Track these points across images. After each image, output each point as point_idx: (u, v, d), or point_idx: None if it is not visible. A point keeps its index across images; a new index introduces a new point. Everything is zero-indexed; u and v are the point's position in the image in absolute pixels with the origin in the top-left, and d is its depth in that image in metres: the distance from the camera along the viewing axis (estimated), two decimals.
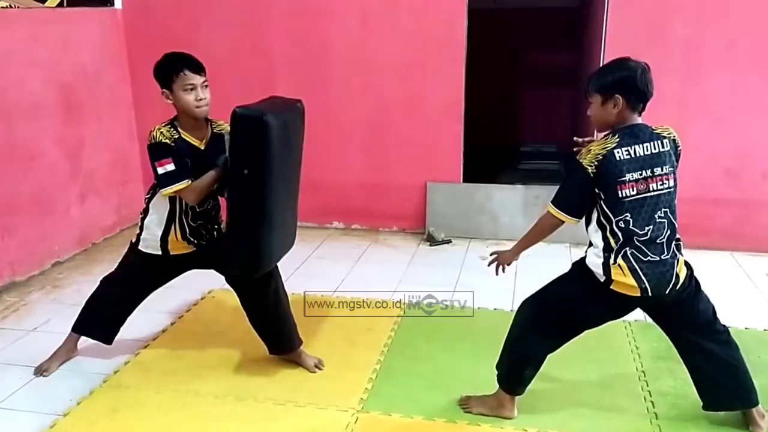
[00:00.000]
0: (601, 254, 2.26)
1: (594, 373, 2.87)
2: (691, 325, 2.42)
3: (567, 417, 2.58)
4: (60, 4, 4.11)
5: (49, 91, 4.07)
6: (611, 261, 2.24)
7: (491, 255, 2.53)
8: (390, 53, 4.44)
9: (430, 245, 4.50)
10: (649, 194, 2.22)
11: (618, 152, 2.19)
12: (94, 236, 4.50)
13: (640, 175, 2.20)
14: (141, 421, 2.56)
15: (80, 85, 4.32)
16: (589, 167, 2.20)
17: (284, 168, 2.55)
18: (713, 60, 4.09)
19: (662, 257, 2.26)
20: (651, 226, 2.23)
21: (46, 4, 4.02)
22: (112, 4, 4.62)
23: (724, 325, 2.47)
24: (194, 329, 3.30)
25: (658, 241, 2.25)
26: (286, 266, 4.00)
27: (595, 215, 2.28)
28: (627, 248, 2.23)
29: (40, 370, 2.90)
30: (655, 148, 2.22)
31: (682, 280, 2.31)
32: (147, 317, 3.20)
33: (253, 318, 2.87)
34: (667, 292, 2.28)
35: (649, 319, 3.34)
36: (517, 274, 3.84)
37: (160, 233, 2.70)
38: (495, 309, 3.43)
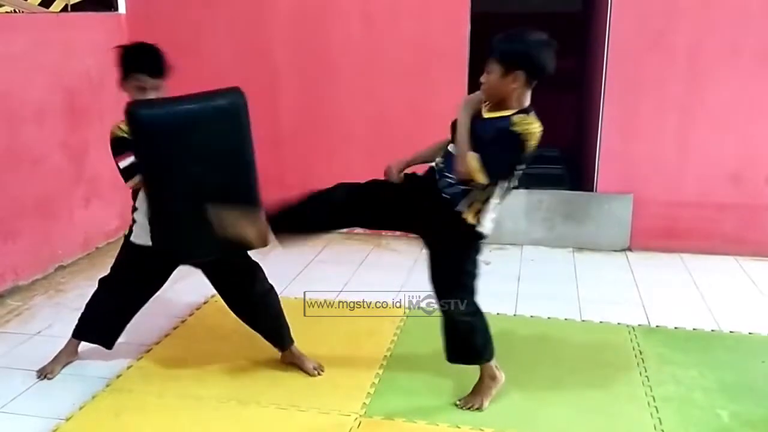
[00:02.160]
0: (492, 210, 2.44)
1: (597, 378, 2.86)
2: None
3: (570, 422, 2.57)
4: (64, 9, 4.13)
5: (53, 96, 4.08)
6: (491, 209, 2.43)
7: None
8: (392, 57, 4.45)
9: None
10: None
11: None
12: (98, 240, 4.51)
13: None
14: (144, 425, 2.56)
15: (84, 90, 4.33)
16: (526, 142, 2.25)
17: (186, 168, 2.44)
18: (716, 65, 4.08)
19: None
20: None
21: (51, 9, 4.04)
22: (116, 9, 4.64)
23: None
24: (197, 333, 3.30)
25: None
26: (288, 270, 4.03)
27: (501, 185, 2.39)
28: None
29: (44, 373, 2.90)
30: None
31: None
32: (150, 321, 3.20)
33: (246, 315, 2.90)
34: None
35: (653, 323, 3.36)
36: (521, 279, 3.84)
37: (149, 229, 2.70)
38: (498, 313, 3.42)
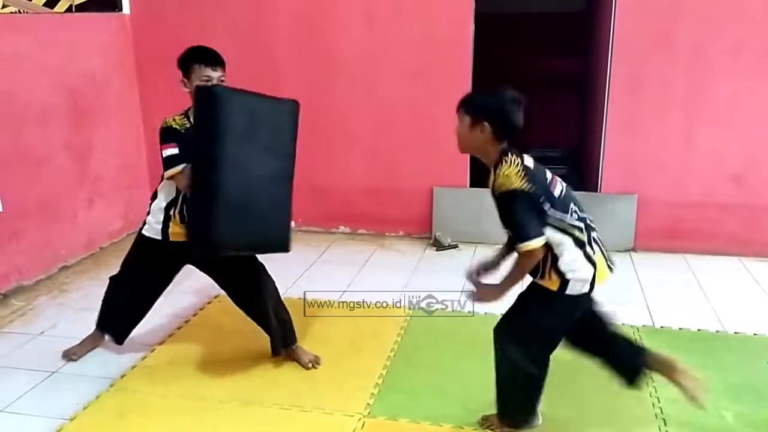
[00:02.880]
0: (579, 255, 2.23)
1: (601, 378, 2.85)
2: (597, 311, 2.48)
3: (574, 422, 2.57)
4: (68, 10, 4.14)
5: (57, 96, 4.08)
6: (590, 251, 2.25)
7: (473, 285, 2.40)
8: (396, 58, 4.45)
9: (437, 250, 4.49)
10: (563, 186, 2.31)
11: (526, 162, 2.24)
12: (102, 240, 4.51)
13: (550, 175, 2.30)
14: (147, 426, 2.57)
15: (88, 90, 4.34)
16: (525, 186, 2.16)
17: (249, 153, 2.53)
18: (720, 65, 4.07)
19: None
20: (584, 208, 2.32)
21: (55, 9, 4.04)
22: (120, 10, 4.64)
23: None
24: (201, 334, 3.30)
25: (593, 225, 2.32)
26: (292, 271, 4.03)
27: (554, 231, 2.20)
28: (592, 233, 2.28)
29: (68, 354, 3.00)
30: (529, 157, 2.31)
31: None
32: (154, 321, 3.21)
33: (253, 315, 2.95)
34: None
35: (657, 324, 3.35)
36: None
37: (162, 217, 2.78)
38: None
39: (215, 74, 2.65)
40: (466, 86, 4.36)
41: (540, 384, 2.43)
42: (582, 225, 2.26)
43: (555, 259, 2.23)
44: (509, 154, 2.24)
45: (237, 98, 2.51)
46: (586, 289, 2.27)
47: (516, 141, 2.28)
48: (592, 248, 2.26)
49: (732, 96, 4.11)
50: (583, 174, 5.14)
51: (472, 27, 4.31)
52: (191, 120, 2.67)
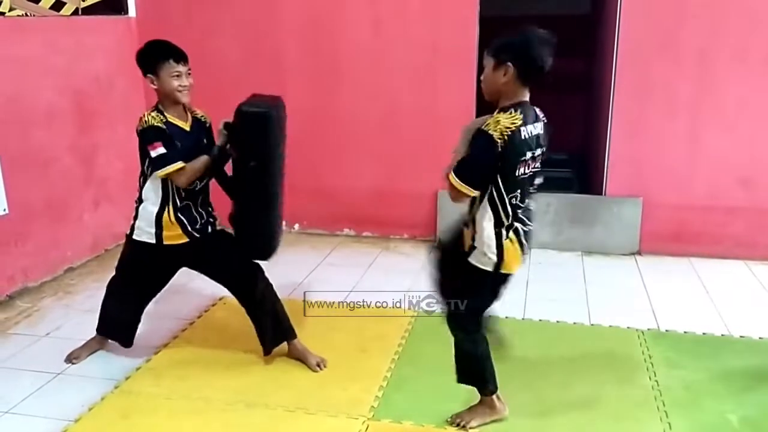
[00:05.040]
0: (493, 235, 2.24)
1: (606, 382, 2.85)
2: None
3: (578, 427, 2.56)
4: (75, 13, 4.15)
5: (63, 99, 4.10)
6: (503, 237, 2.25)
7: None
8: (401, 61, 4.45)
9: None
10: (531, 172, 2.25)
11: (523, 131, 2.15)
12: (107, 242, 4.52)
13: (530, 155, 2.21)
14: (152, 428, 2.57)
15: (94, 93, 4.35)
16: (499, 140, 2.11)
17: (280, 157, 2.73)
18: (726, 67, 4.06)
19: (533, 224, 2.34)
20: (528, 200, 2.29)
21: (62, 12, 4.06)
22: (126, 13, 4.66)
23: None
24: (205, 336, 3.30)
25: (531, 209, 2.31)
26: (296, 273, 4.04)
27: (488, 192, 2.22)
28: (515, 221, 2.26)
29: (70, 358, 3.01)
30: (536, 130, 2.22)
31: None
32: (158, 323, 3.21)
33: (250, 313, 2.95)
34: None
35: (662, 327, 3.34)
36: (529, 282, 3.82)
37: (153, 219, 2.74)
38: (506, 317, 3.41)
39: (184, 69, 2.68)
40: (471, 89, 4.35)
41: (486, 355, 2.49)
42: (510, 210, 2.24)
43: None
44: (517, 111, 2.16)
45: (276, 115, 2.62)
46: (489, 268, 2.28)
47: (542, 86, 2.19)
48: (508, 236, 2.25)
49: (738, 98, 4.09)
50: (587, 176, 5.14)
51: (477, 29, 4.31)
52: (165, 115, 2.69)
